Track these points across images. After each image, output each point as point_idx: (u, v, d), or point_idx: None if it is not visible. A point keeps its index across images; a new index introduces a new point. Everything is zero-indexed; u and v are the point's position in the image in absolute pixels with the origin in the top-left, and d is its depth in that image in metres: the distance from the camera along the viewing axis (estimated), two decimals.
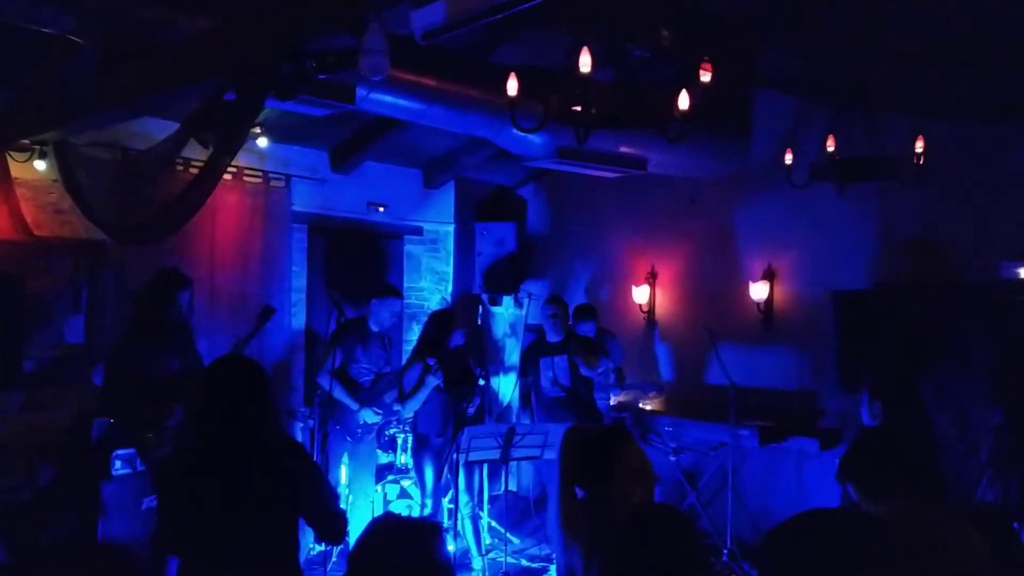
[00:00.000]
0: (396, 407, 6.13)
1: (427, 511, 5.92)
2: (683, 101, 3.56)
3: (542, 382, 6.33)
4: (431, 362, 5.85)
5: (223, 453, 2.88)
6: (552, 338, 6.35)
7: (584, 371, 6.17)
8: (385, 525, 2.46)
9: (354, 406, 5.86)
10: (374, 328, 6.06)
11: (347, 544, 4.21)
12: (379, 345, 6.12)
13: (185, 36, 3.67)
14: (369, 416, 5.92)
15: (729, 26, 4.38)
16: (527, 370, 6.50)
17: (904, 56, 4.07)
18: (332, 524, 3.10)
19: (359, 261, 7.81)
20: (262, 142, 6.46)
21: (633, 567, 2.11)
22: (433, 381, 5.83)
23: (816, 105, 5.47)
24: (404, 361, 6.58)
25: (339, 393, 5.77)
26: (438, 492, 5.96)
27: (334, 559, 5.74)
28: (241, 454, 2.88)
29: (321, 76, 3.25)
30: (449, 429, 5.82)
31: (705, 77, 3.36)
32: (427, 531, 2.36)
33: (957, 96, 4.62)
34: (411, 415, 6.03)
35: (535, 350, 6.50)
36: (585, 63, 3.13)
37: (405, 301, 8.12)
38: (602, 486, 2.70)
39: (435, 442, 5.89)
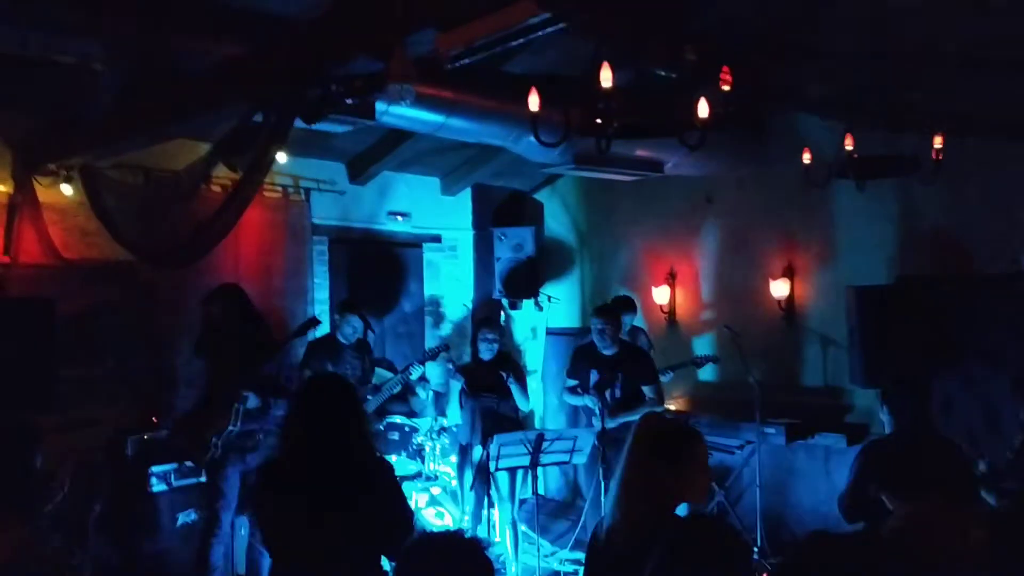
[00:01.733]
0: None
1: (468, 517, 5.98)
2: (703, 110, 3.59)
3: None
4: (450, 366, 5.94)
5: (310, 467, 2.99)
6: (606, 351, 5.97)
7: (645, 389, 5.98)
8: (430, 544, 2.47)
9: None
10: (344, 342, 6.08)
11: None
12: (352, 357, 6.10)
13: (211, 63, 3.73)
14: None
15: (739, 46, 4.38)
16: (576, 374, 6.18)
17: (922, 78, 4.09)
18: (400, 539, 3.15)
19: (380, 271, 7.89)
20: (281, 157, 6.49)
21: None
22: (455, 385, 5.91)
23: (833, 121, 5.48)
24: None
25: None
26: (479, 501, 5.98)
27: None
28: (327, 468, 2.99)
29: (348, 100, 3.31)
30: (478, 437, 5.89)
31: (725, 86, 3.40)
32: (473, 547, 2.39)
33: (978, 115, 4.62)
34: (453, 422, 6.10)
35: (588, 358, 6.10)
36: (606, 78, 3.17)
37: (427, 309, 8.22)
38: (671, 477, 2.71)
39: (473, 452, 5.96)
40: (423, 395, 6.88)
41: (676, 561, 2.16)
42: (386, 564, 3.18)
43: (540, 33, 2.72)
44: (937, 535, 2.10)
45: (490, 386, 6.03)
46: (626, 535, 2.50)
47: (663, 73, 3.81)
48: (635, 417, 5.60)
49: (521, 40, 2.80)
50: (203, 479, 5.45)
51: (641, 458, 2.59)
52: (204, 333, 5.51)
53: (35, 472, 2.98)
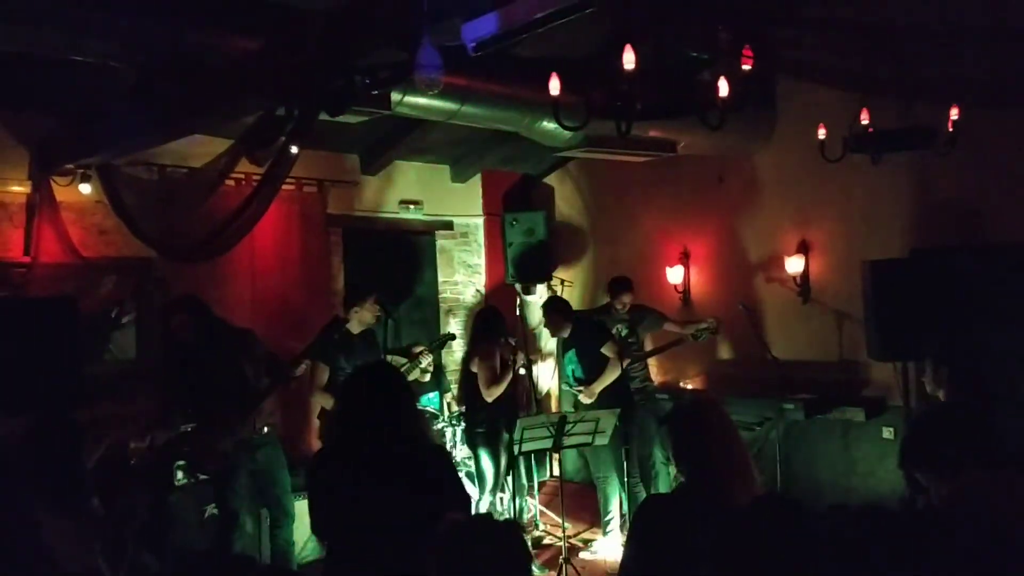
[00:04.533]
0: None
1: (488, 500, 6.03)
2: (723, 88, 3.61)
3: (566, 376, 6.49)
4: (512, 341, 5.99)
5: (364, 453, 3.02)
6: (564, 336, 6.51)
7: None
8: (466, 529, 2.49)
9: None
10: (354, 331, 6.08)
11: None
12: (364, 345, 6.06)
13: (234, 57, 3.74)
14: None
15: (751, 15, 4.40)
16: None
17: (934, 47, 4.10)
18: None
19: (393, 260, 7.92)
20: (293, 149, 6.53)
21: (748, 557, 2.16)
22: (521, 360, 5.99)
23: (846, 91, 5.48)
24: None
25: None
26: (497, 482, 6.05)
27: None
28: (380, 454, 3.01)
29: (374, 91, 3.33)
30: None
31: (746, 66, 3.41)
32: (508, 529, 2.42)
33: (989, 83, 4.63)
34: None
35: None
36: (629, 60, 3.19)
37: (441, 296, 8.26)
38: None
39: (492, 433, 6.00)
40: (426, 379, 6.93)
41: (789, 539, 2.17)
42: None
43: (568, 18, 2.74)
44: (989, 501, 2.15)
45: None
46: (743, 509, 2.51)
47: (694, 54, 3.82)
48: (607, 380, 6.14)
49: (551, 25, 2.82)
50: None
51: (731, 428, 2.67)
52: (170, 354, 5.49)
53: (83, 468, 3.02)
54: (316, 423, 6.22)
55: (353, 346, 6.01)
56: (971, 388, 3.70)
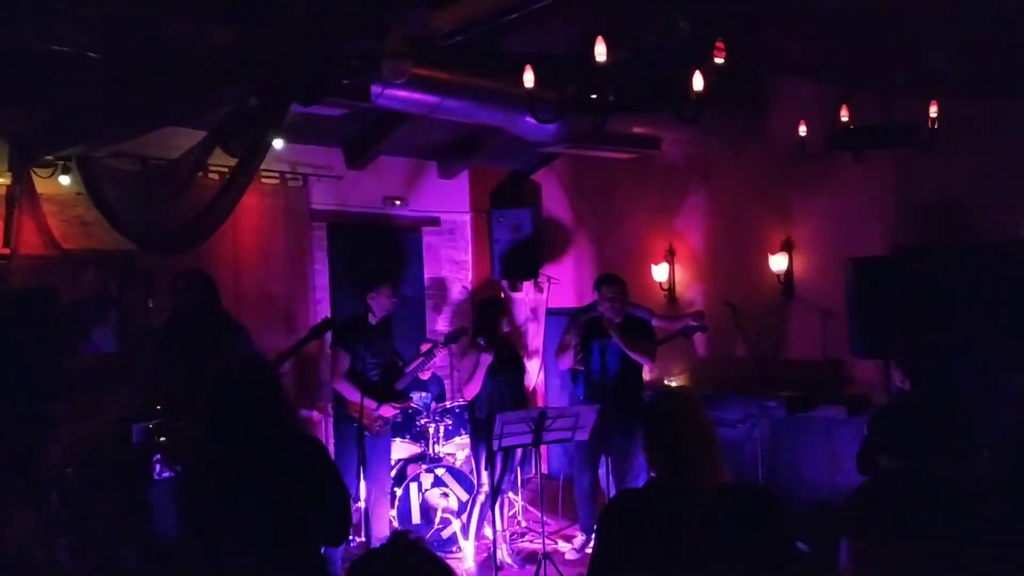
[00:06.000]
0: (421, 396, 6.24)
1: (484, 494, 6.03)
2: (697, 82, 3.59)
3: (593, 366, 6.25)
4: (481, 341, 5.96)
5: (237, 453, 2.90)
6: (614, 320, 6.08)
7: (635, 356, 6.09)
8: (377, 557, 2.38)
9: (371, 405, 5.89)
10: (373, 322, 6.08)
11: None
12: (382, 337, 6.11)
13: (208, 48, 3.73)
14: (388, 411, 5.99)
15: (736, 8, 4.39)
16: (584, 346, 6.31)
17: (916, 38, 4.08)
18: (335, 524, 3.08)
19: (379, 255, 7.89)
20: (277, 143, 6.47)
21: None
22: (487, 359, 5.94)
23: (828, 83, 5.47)
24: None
25: (356, 395, 5.73)
26: (499, 476, 6.02)
27: None
28: (254, 453, 2.89)
29: (344, 80, 3.31)
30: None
31: (718, 59, 3.40)
32: (420, 548, 2.31)
33: (970, 74, 4.61)
34: (471, 399, 6.09)
35: (594, 330, 6.24)
36: (601, 52, 3.17)
37: (427, 292, 8.25)
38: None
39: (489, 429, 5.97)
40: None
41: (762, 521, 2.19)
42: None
43: (533, 7, 2.72)
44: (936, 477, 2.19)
45: (508, 362, 6.11)
46: (713, 497, 2.51)
47: (660, 47, 3.80)
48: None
49: (517, 14, 2.80)
50: None
51: (706, 423, 2.66)
52: (172, 320, 5.54)
53: (48, 462, 2.98)
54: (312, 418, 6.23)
55: (372, 335, 6.01)
56: (936, 382, 3.74)
